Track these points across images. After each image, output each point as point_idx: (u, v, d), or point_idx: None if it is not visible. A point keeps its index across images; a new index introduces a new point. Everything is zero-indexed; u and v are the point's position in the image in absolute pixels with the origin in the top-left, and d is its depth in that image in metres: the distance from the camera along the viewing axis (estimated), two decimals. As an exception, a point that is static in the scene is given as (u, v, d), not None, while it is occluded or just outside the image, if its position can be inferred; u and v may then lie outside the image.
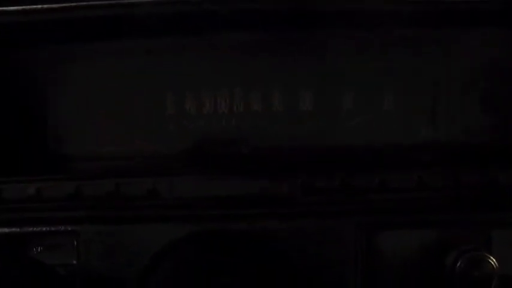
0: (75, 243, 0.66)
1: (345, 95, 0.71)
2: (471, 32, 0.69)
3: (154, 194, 0.65)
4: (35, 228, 0.66)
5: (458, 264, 0.60)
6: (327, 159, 0.70)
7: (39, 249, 0.67)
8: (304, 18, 0.67)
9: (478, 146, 0.70)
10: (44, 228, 0.66)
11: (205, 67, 0.71)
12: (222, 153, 0.71)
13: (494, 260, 0.60)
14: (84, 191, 0.66)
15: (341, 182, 0.64)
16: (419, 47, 0.70)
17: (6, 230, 0.66)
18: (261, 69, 0.71)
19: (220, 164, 0.70)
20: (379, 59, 0.70)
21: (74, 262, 0.66)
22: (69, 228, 0.66)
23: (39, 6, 0.65)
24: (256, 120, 0.71)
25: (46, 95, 0.73)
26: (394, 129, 0.71)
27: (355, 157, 0.70)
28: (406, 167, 0.65)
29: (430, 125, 0.71)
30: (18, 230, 0.66)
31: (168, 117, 0.72)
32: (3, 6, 0.65)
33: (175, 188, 0.65)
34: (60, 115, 0.73)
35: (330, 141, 0.71)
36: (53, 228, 0.66)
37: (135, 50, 0.71)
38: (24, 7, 0.65)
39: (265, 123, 0.71)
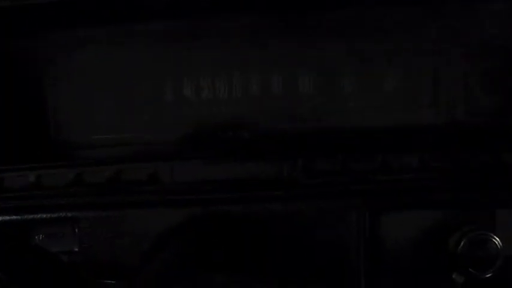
0: (77, 230, 0.65)
1: (345, 76, 0.70)
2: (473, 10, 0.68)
3: (155, 179, 0.65)
4: (36, 216, 0.66)
5: (461, 244, 0.60)
6: (327, 142, 0.70)
7: (41, 237, 0.67)
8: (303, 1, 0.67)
9: (480, 126, 0.69)
10: (45, 216, 0.66)
11: (203, 52, 0.71)
12: (222, 138, 0.71)
13: (498, 240, 0.59)
14: (85, 177, 0.66)
15: (342, 163, 0.64)
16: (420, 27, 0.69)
17: (7, 218, 0.66)
18: (259, 52, 0.71)
19: (221, 148, 0.70)
20: (380, 39, 0.70)
21: (76, 249, 0.66)
22: (70, 215, 0.65)
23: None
24: (255, 104, 0.71)
25: (47, 82, 0.72)
26: (395, 110, 0.70)
27: (356, 139, 0.70)
28: (407, 148, 0.65)
29: (431, 106, 0.70)
30: (19, 218, 0.66)
31: (168, 104, 0.72)
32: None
33: (176, 173, 0.65)
34: (61, 102, 0.72)
35: (330, 123, 0.71)
36: (54, 216, 0.66)
37: (135, 36, 0.71)
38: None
39: (265, 107, 0.71)
